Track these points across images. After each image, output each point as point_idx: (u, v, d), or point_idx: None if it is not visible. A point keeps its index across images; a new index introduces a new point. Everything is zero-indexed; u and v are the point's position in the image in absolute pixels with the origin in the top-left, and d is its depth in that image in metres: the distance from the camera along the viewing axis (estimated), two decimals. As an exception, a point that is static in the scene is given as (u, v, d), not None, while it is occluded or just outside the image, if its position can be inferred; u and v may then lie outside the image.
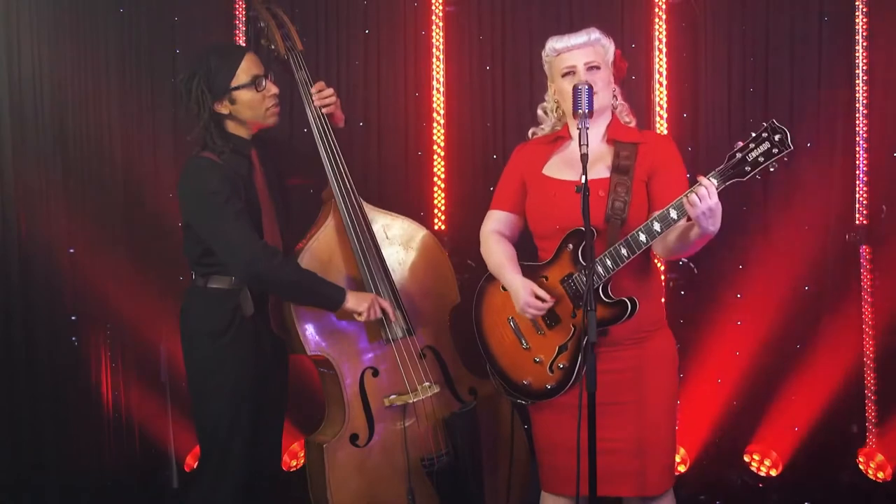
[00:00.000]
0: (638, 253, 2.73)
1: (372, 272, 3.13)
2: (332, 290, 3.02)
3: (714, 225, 2.58)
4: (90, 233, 4.18)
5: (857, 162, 4.10)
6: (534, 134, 3.12)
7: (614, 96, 2.97)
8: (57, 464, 4.14)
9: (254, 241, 2.92)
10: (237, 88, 2.98)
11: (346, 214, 3.13)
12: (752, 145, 2.55)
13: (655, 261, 2.96)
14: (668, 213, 2.65)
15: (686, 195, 2.57)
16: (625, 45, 4.21)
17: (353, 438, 3.12)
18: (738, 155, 2.55)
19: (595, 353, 2.56)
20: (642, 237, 2.70)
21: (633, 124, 3.01)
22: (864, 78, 4.07)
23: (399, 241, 3.27)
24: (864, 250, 4.12)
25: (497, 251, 3.01)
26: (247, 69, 2.99)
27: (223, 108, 3.00)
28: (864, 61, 4.07)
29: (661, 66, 4.14)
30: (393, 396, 3.16)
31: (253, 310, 2.99)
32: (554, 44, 2.93)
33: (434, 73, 4.25)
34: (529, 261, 2.99)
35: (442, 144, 4.26)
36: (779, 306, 4.03)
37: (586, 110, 2.65)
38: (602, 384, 2.69)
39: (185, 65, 4.18)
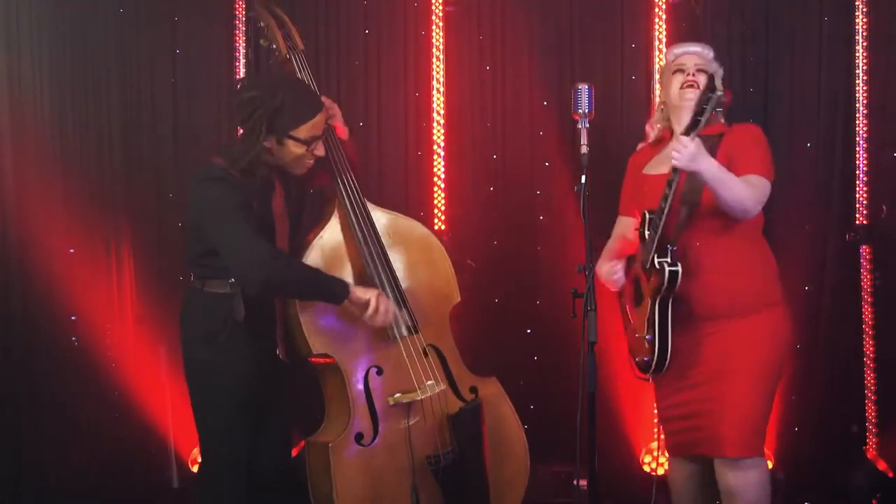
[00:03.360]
0: (664, 219, 2.94)
1: (378, 269, 3.13)
2: (337, 285, 3.02)
3: (697, 165, 2.84)
4: (90, 233, 4.18)
5: (857, 162, 4.11)
6: (650, 137, 3.35)
7: None
8: (57, 464, 4.14)
9: (259, 246, 2.90)
10: (292, 138, 2.96)
11: (351, 212, 3.13)
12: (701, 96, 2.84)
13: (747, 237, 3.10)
14: (670, 176, 2.92)
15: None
16: (625, 45, 4.23)
17: (359, 437, 3.12)
18: (695, 109, 2.85)
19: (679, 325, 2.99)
20: (662, 203, 2.95)
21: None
22: (864, 78, 4.07)
23: (401, 239, 3.27)
24: (864, 250, 4.12)
25: (604, 249, 3.32)
26: (311, 127, 2.96)
27: (268, 143, 2.97)
28: (864, 61, 4.07)
29: (661, 66, 4.14)
30: (398, 395, 3.16)
31: (244, 314, 2.98)
32: (673, 49, 3.25)
33: (434, 73, 4.25)
34: None
35: (442, 144, 4.26)
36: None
37: (586, 110, 2.86)
38: (683, 350, 3.02)
39: (186, 65, 4.21)
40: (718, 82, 2.81)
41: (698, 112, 2.80)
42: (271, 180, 3.06)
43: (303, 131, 2.95)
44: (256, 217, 2.97)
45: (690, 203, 2.98)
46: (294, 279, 2.99)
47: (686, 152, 2.81)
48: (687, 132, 2.83)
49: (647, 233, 3.04)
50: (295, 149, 2.97)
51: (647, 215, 3.04)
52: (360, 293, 3.02)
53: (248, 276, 2.91)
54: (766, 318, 3.07)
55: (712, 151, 2.97)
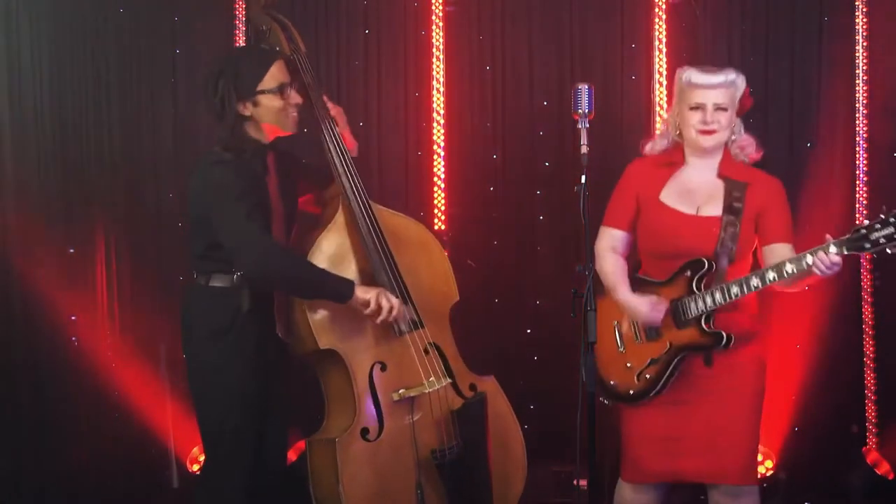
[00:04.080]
0: (746, 294, 2.91)
1: (384, 267, 3.13)
2: (341, 284, 3.02)
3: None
4: (90, 232, 4.18)
5: (857, 162, 4.11)
6: (650, 149, 3.21)
7: (733, 131, 3.09)
8: (57, 464, 4.14)
9: (266, 238, 2.93)
10: (262, 92, 2.99)
11: (357, 210, 3.13)
12: (877, 225, 2.68)
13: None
14: (784, 268, 2.83)
15: (812, 260, 2.74)
16: (625, 45, 4.23)
17: (364, 433, 3.12)
18: (863, 231, 2.69)
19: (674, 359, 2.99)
20: (755, 281, 2.89)
21: (748, 154, 3.11)
22: (864, 78, 4.08)
23: (401, 238, 3.27)
24: (864, 250, 4.12)
25: (612, 270, 3.15)
26: (274, 75, 3.01)
27: (245, 110, 3.00)
28: (864, 61, 4.08)
29: (661, 66, 4.15)
30: (402, 390, 3.17)
31: (249, 305, 2.99)
32: (691, 75, 3.05)
33: (434, 73, 4.26)
34: (634, 272, 3.20)
35: (442, 144, 4.27)
36: (779, 306, 4.04)
37: (586, 110, 2.84)
38: (682, 381, 3.02)
39: (186, 65, 4.22)
40: None
41: (865, 241, 2.67)
42: (266, 164, 3.07)
43: (268, 82, 2.99)
44: (260, 204, 2.97)
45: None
46: (297, 275, 2.99)
47: (835, 269, 2.73)
48: (839, 250, 2.70)
49: (695, 282, 2.98)
50: (270, 102, 3.00)
51: (706, 265, 2.95)
52: (361, 293, 3.02)
53: (251, 266, 2.91)
54: (755, 350, 3.08)
55: (739, 200, 2.97)
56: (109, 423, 4.19)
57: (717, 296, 2.94)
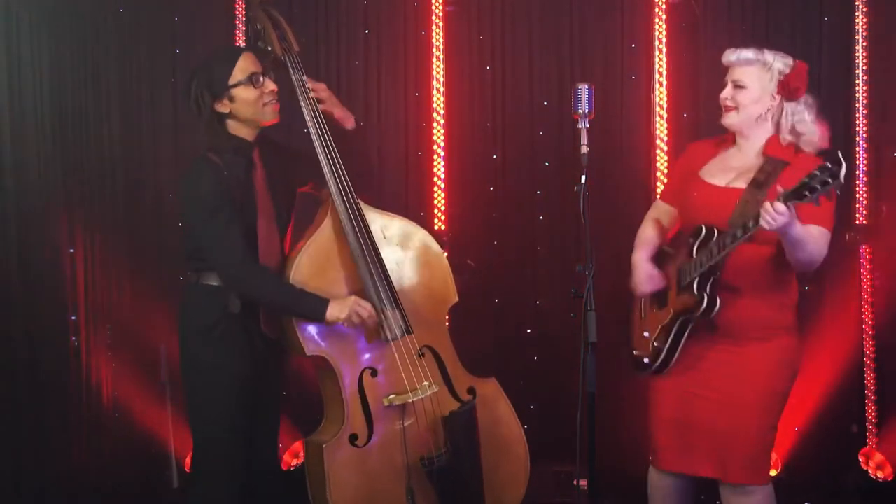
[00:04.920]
0: (721, 255, 2.84)
1: (371, 273, 3.12)
2: (313, 304, 3.01)
3: (785, 230, 2.69)
4: (90, 232, 4.19)
5: (857, 162, 4.11)
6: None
7: (769, 111, 3.00)
8: (57, 464, 4.15)
9: (235, 260, 2.95)
10: (235, 86, 3.00)
11: (344, 215, 3.12)
12: (817, 173, 2.60)
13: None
14: (748, 223, 2.76)
15: (762, 215, 2.68)
16: (625, 45, 4.23)
17: (353, 438, 3.12)
18: (805, 180, 2.62)
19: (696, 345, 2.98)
20: (727, 238, 2.83)
21: (817, 146, 3.04)
22: (864, 78, 4.07)
23: (397, 241, 3.26)
24: (864, 250, 4.13)
25: (640, 235, 3.22)
26: (243, 67, 3.02)
27: (223, 108, 3.02)
28: (864, 61, 4.07)
29: (661, 66, 4.15)
30: (392, 396, 3.16)
31: (239, 308, 3.00)
32: (722, 57, 3.04)
33: (434, 73, 4.26)
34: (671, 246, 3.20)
35: (442, 144, 4.27)
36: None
37: (586, 110, 2.88)
38: (694, 357, 3.00)
39: (186, 65, 4.21)
40: (843, 172, 2.51)
41: (807, 188, 2.58)
42: (251, 160, 3.07)
43: (238, 75, 3.00)
44: (239, 206, 2.97)
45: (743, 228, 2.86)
46: (267, 298, 3.02)
47: (780, 221, 2.64)
48: (785, 199, 2.62)
49: (696, 248, 2.94)
50: (245, 94, 3.01)
51: (704, 232, 2.92)
52: (333, 314, 2.99)
53: (226, 282, 2.99)
54: (780, 347, 3.02)
55: (770, 178, 2.90)
56: (109, 423, 4.20)
57: (703, 257, 2.90)
